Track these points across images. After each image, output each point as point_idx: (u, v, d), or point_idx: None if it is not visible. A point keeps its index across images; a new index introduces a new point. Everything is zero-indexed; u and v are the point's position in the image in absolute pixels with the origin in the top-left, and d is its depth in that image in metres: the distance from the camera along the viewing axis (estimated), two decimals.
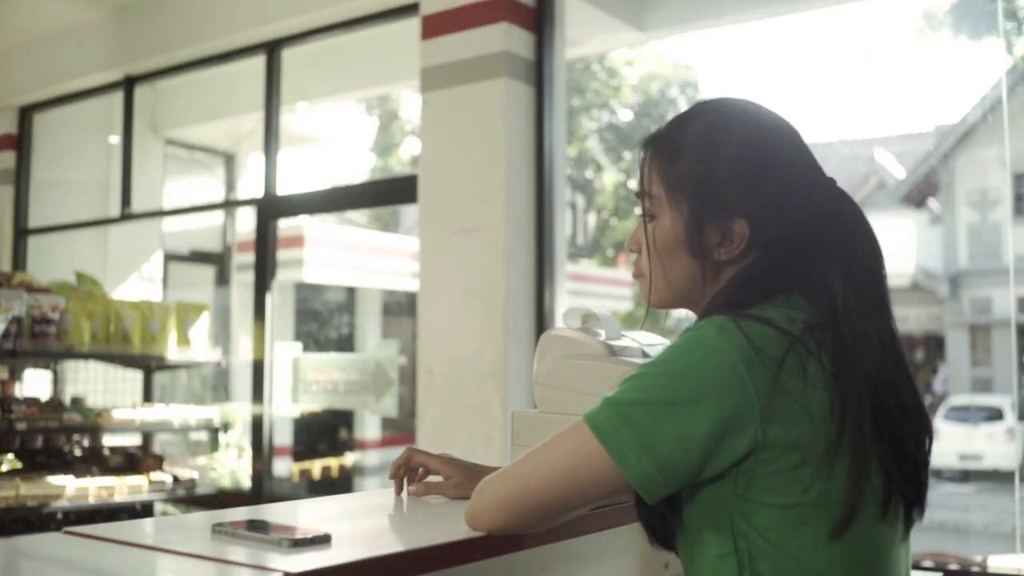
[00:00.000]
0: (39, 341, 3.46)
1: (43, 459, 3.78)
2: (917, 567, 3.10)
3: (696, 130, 1.15)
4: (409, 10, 4.26)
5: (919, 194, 15.27)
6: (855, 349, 1.04)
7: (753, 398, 0.99)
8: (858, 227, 1.13)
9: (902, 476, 1.05)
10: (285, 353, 4.81)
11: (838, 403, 1.01)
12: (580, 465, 1.05)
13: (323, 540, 1.05)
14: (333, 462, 8.59)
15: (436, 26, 4.00)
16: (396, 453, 1.45)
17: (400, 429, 8.84)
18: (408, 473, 1.44)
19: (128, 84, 5.58)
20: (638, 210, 1.23)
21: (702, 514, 1.06)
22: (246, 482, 5.46)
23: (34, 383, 4.98)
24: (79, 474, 3.62)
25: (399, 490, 1.43)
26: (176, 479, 3.86)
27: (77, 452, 3.96)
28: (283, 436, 7.76)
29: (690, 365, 1.02)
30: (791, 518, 1.01)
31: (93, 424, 3.71)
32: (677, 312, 1.32)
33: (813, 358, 1.02)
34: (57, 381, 4.98)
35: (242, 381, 7.09)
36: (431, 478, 1.43)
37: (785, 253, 1.13)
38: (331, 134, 8.44)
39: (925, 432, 1.09)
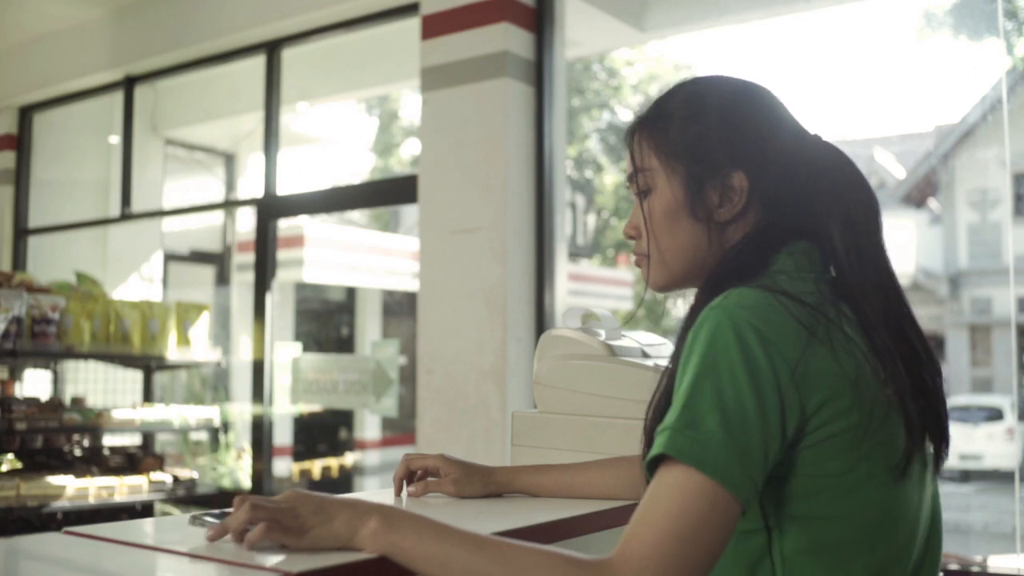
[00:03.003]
0: (39, 341, 3.46)
1: (43, 459, 3.78)
2: None
3: (679, 100, 1.17)
4: (409, 10, 4.26)
5: (919, 194, 15.27)
6: (865, 301, 1.05)
7: (791, 374, 0.96)
8: (851, 175, 1.14)
9: (929, 417, 1.05)
10: (285, 353, 4.81)
11: (871, 363, 1.00)
12: (702, 510, 0.92)
13: None
14: (333, 462, 8.59)
15: (436, 26, 4.00)
16: (396, 453, 1.45)
17: (400, 429, 8.84)
18: (407, 477, 1.44)
19: (128, 84, 5.58)
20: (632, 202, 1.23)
21: None
22: (246, 482, 5.46)
23: (34, 383, 4.98)
24: (79, 474, 3.62)
25: (398, 491, 1.43)
26: (176, 479, 3.86)
27: (77, 452, 3.96)
28: (283, 436, 7.77)
29: (733, 363, 0.96)
30: (838, 486, 0.99)
31: (93, 424, 3.71)
32: (678, 312, 1.31)
33: (837, 325, 1.01)
34: (57, 381, 4.98)
35: (242, 381, 7.09)
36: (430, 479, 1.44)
37: (785, 206, 1.13)
38: (331, 134, 8.44)
39: (937, 372, 1.10)
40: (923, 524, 1.06)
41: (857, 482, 0.99)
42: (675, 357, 1.06)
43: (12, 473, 3.54)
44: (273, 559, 0.97)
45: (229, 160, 7.75)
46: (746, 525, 1.02)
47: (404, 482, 1.44)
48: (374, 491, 1.57)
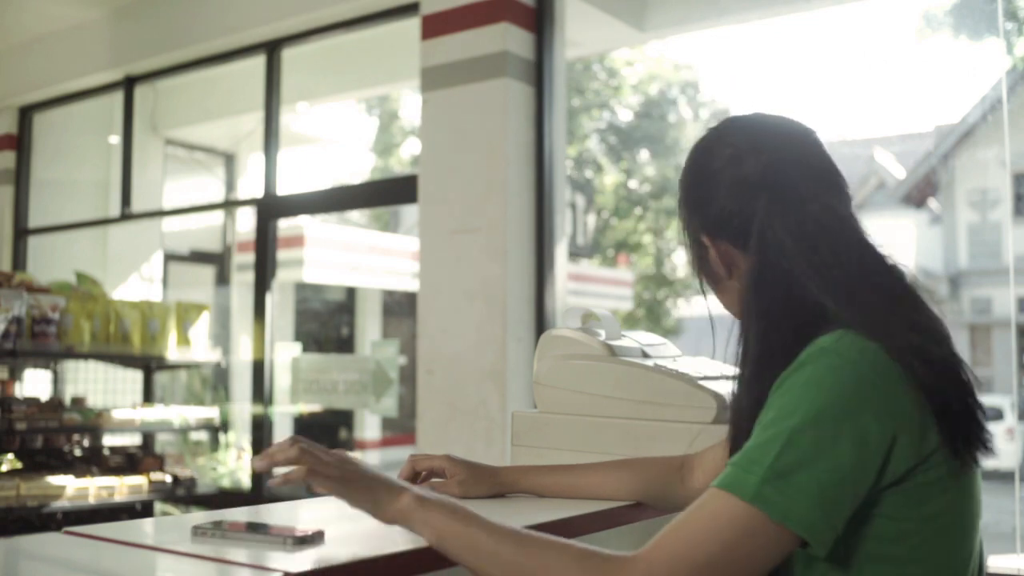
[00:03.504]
0: (39, 341, 3.46)
1: (43, 459, 3.78)
2: None
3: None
4: (409, 10, 4.26)
5: (919, 194, 15.27)
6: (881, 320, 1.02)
7: (899, 430, 0.97)
8: (793, 168, 1.12)
9: (967, 416, 1.03)
10: (285, 353, 4.81)
11: (922, 396, 0.98)
12: (759, 550, 0.93)
13: (315, 538, 1.05)
14: None
15: (436, 26, 4.00)
16: (396, 453, 1.45)
17: (400, 429, 8.84)
18: (412, 477, 1.44)
19: (128, 84, 5.58)
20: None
21: None
22: (246, 482, 5.46)
23: (34, 383, 4.98)
24: (79, 474, 3.61)
25: None
26: (176, 479, 3.85)
27: (77, 452, 3.96)
28: (283, 436, 7.76)
29: (842, 414, 0.94)
30: (923, 531, 0.98)
31: (93, 424, 3.71)
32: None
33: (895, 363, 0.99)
34: (57, 381, 4.98)
35: (242, 381, 7.09)
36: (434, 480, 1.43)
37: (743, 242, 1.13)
38: (331, 134, 8.44)
39: (960, 364, 1.06)
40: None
41: (943, 527, 0.99)
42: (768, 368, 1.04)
43: (12, 473, 3.54)
44: (273, 559, 0.97)
45: (229, 160, 7.75)
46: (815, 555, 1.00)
47: (409, 483, 1.43)
48: None
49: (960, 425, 1.00)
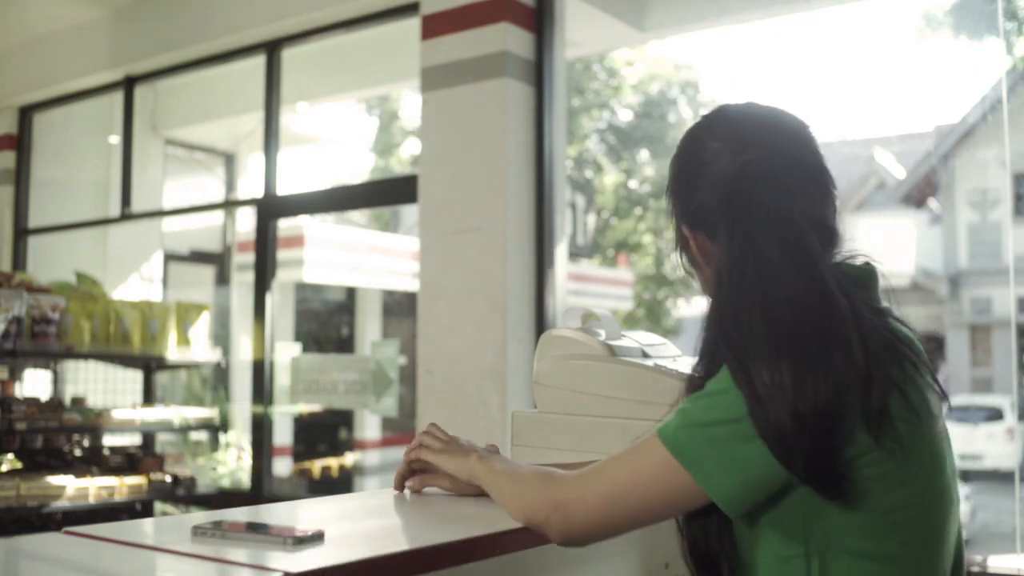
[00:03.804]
0: (39, 341, 3.46)
1: (43, 459, 3.78)
2: None
3: None
4: (409, 10, 4.26)
5: (919, 194, 15.27)
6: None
7: None
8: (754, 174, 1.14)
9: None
10: (285, 353, 4.81)
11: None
12: (663, 487, 1.07)
13: (315, 538, 1.05)
14: (333, 462, 8.59)
15: (436, 26, 4.00)
16: (396, 453, 1.46)
17: (400, 429, 8.84)
18: (407, 474, 1.44)
19: (128, 84, 5.58)
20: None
21: (772, 518, 1.07)
22: (246, 482, 5.46)
23: (34, 383, 4.98)
24: (79, 474, 3.61)
25: (400, 488, 1.44)
26: (176, 479, 3.86)
27: (77, 452, 3.96)
28: (283, 436, 7.77)
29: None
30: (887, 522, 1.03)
31: (93, 424, 3.71)
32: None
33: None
34: (57, 381, 4.98)
35: (242, 381, 7.09)
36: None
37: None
38: (331, 134, 8.44)
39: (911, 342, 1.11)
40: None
41: (903, 522, 1.03)
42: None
43: (12, 473, 3.54)
44: (273, 559, 0.97)
45: (229, 160, 7.75)
46: (787, 551, 1.05)
47: (404, 476, 1.45)
48: (374, 491, 1.57)
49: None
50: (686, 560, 1.18)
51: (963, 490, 8.88)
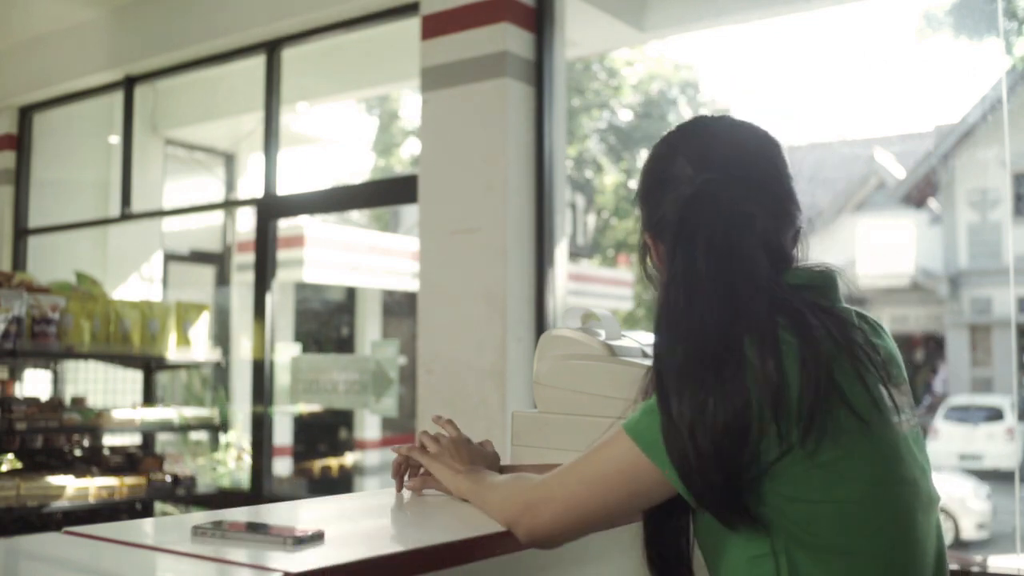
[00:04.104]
0: (39, 341, 3.46)
1: (43, 459, 3.78)
2: None
3: None
4: (409, 10, 4.26)
5: (919, 194, 15.26)
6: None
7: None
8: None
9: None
10: (285, 353, 4.81)
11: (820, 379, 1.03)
12: (628, 477, 1.09)
13: (315, 538, 1.05)
14: (333, 462, 8.59)
15: (436, 26, 4.00)
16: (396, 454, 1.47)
17: (400, 429, 8.84)
18: (409, 470, 1.45)
19: (128, 84, 5.58)
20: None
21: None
22: (246, 482, 5.46)
23: (34, 383, 4.98)
24: (79, 474, 3.61)
25: (399, 485, 1.45)
26: (176, 479, 3.85)
27: (77, 452, 3.95)
28: (283, 436, 7.77)
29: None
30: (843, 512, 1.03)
31: (93, 424, 3.70)
32: None
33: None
34: (57, 381, 4.98)
35: (242, 381, 7.09)
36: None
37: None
38: (331, 134, 8.44)
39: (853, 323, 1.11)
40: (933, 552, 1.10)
41: (857, 514, 1.03)
42: None
43: (12, 473, 3.54)
44: (273, 559, 0.97)
45: (229, 160, 7.75)
46: (754, 551, 1.05)
47: (405, 477, 1.45)
48: (374, 491, 1.57)
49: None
50: (648, 567, 1.19)
51: (982, 490, 8.86)
